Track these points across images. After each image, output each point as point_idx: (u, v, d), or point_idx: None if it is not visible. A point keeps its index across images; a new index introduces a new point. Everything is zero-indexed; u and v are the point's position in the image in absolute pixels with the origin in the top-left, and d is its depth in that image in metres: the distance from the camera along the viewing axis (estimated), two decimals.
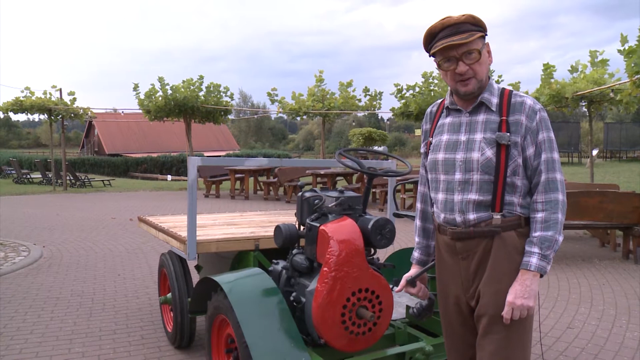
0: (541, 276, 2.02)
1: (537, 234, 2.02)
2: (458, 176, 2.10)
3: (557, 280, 6.18)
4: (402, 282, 2.38)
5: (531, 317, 2.09)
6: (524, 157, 2.05)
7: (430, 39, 2.09)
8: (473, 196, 2.06)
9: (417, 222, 2.45)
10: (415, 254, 2.45)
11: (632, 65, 8.09)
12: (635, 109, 10.69)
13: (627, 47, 8.22)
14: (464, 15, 2.04)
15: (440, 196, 2.17)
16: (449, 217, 2.14)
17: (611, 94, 10.08)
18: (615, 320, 4.84)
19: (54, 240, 8.93)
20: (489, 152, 2.03)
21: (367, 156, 19.63)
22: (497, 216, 2.04)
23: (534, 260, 1.99)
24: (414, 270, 2.43)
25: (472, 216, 2.07)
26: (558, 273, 6.51)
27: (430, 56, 2.14)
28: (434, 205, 2.25)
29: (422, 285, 2.42)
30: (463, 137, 2.12)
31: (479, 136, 2.07)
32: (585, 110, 11.66)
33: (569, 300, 5.47)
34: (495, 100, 2.09)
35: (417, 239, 2.46)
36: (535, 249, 2.00)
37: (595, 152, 23.43)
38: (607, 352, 4.13)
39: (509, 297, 2.00)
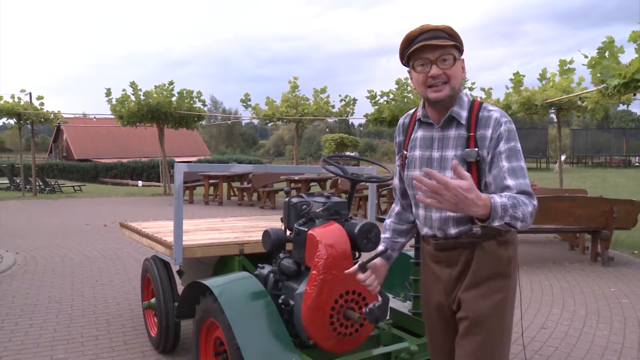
0: (484, 221, 1.80)
1: (506, 195, 1.86)
2: None
3: (530, 283, 6.36)
4: (355, 266, 2.24)
5: (510, 320, 2.12)
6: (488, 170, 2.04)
7: (408, 43, 2.08)
8: (452, 213, 2.06)
9: (388, 221, 2.44)
10: (380, 247, 2.38)
11: (598, 74, 8.40)
12: (600, 116, 11.06)
13: (590, 58, 8.55)
14: (443, 25, 2.07)
15: (421, 212, 2.20)
16: (429, 233, 2.18)
17: (579, 102, 10.41)
18: (585, 320, 5.02)
19: (27, 246, 8.80)
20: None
21: (339, 162, 19.76)
22: (476, 228, 2.05)
23: (497, 199, 1.80)
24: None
25: (452, 230, 2.10)
26: (530, 276, 6.70)
27: (404, 64, 2.14)
28: (416, 219, 2.27)
29: (373, 275, 2.24)
30: (436, 154, 2.13)
31: (450, 153, 2.08)
32: (553, 116, 12.01)
33: (542, 301, 5.64)
34: (464, 114, 2.09)
35: (385, 235, 2.42)
36: (504, 199, 1.82)
37: (563, 158, 23.96)
38: (579, 350, 4.30)
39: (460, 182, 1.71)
